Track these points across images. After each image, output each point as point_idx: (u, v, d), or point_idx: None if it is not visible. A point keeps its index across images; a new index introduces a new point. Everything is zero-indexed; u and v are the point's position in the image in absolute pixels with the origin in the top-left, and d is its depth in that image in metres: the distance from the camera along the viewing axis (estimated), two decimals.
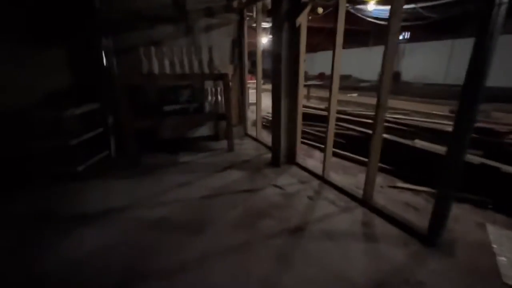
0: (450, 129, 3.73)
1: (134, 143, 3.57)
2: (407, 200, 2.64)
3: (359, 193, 2.62)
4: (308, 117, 5.01)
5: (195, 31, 4.29)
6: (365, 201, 2.53)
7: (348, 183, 2.97)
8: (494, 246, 1.95)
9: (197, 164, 3.67)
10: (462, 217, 2.33)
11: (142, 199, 2.72)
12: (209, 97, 4.35)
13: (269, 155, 3.83)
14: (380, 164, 3.17)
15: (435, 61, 14.59)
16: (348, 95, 9.99)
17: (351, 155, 3.70)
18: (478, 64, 1.58)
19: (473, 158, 2.70)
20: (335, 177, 3.11)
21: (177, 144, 4.41)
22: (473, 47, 1.56)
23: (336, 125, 4.28)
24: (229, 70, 4.60)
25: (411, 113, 6.21)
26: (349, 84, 15.59)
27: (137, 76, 3.52)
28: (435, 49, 14.60)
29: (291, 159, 3.61)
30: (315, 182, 3.06)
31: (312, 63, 22.34)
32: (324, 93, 10.84)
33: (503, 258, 1.80)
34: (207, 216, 2.39)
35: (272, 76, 3.37)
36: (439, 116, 5.88)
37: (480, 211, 2.43)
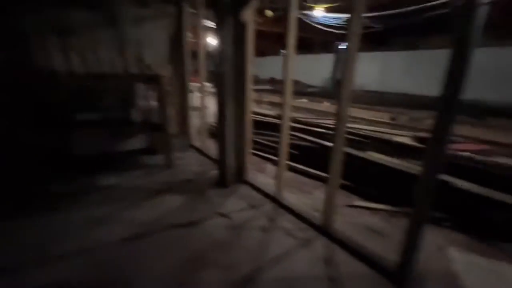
0: (398, 139, 3.76)
1: (26, 165, 2.63)
2: (368, 223, 2.39)
3: (318, 218, 2.27)
4: (260, 125, 4.61)
5: (122, 21, 3.49)
6: (326, 229, 2.18)
7: (305, 204, 2.62)
8: (465, 280, 1.76)
9: (122, 189, 2.90)
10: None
11: (30, 250, 1.90)
12: (141, 103, 3.59)
13: (215, 171, 3.28)
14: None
15: (371, 70, 15.97)
16: (298, 100, 10.05)
17: (307, 169, 3.39)
18: (454, 76, 1.32)
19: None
20: (291, 198, 2.73)
21: (100, 162, 3.52)
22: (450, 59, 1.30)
23: (289, 134, 3.97)
24: (166, 71, 3.90)
25: (357, 120, 6.38)
26: (298, 89, 16.03)
27: (26, 75, 2.61)
28: (370, 59, 15.99)
29: (240, 176, 3.13)
30: (268, 206, 2.63)
31: (261, 67, 22.53)
32: (275, 98, 10.75)
33: None
34: (128, 273, 1.73)
35: (215, 77, 2.84)
36: (382, 123, 6.14)
37: (437, 230, 2.30)
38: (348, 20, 1.78)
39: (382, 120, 6.30)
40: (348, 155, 3.07)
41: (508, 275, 1.82)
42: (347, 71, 1.84)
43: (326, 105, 9.10)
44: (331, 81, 16.95)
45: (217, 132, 3.21)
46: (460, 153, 3.01)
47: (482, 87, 11.60)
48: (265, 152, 4.04)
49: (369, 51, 15.98)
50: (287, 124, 2.49)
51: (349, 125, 4.38)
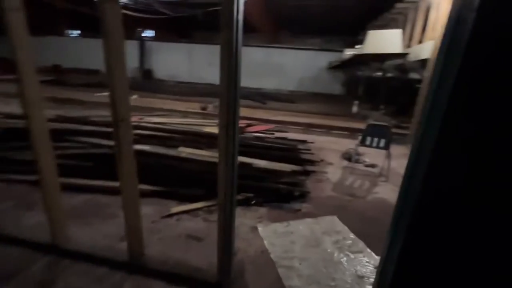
0: (207, 129, 3.83)
1: None
2: (187, 229, 2.14)
3: (124, 250, 1.71)
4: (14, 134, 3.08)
5: None
6: (135, 262, 1.68)
7: (105, 237, 1.94)
8: (270, 252, 1.93)
9: None
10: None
11: None
12: None
13: None
14: (146, 187, 2.46)
15: (180, 61, 16.25)
16: (96, 94, 8.22)
17: (105, 183, 2.61)
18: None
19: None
20: (81, 235, 1.94)
21: None
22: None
23: (74, 141, 2.93)
24: None
25: (171, 113, 6.10)
26: (100, 80, 13.31)
27: None
28: (178, 50, 16.19)
29: None
30: (40, 264, 1.69)
31: (41, 51, 16.61)
32: (62, 92, 8.17)
33: (282, 269, 1.78)
34: None
35: None
36: (194, 113, 6.25)
37: (248, 211, 2.46)
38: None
39: (194, 110, 6.42)
40: (156, 155, 2.65)
41: (295, 229, 2.22)
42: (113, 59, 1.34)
43: (134, 98, 8.08)
44: (139, 71, 15.56)
45: None
46: (252, 134, 3.49)
47: (263, 78, 15.19)
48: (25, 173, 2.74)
49: (176, 42, 16.10)
50: (42, 127, 1.61)
51: (157, 119, 3.97)
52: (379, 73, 8.09)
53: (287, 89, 14.74)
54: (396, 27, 6.43)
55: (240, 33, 1.24)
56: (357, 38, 11.10)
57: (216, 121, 4.45)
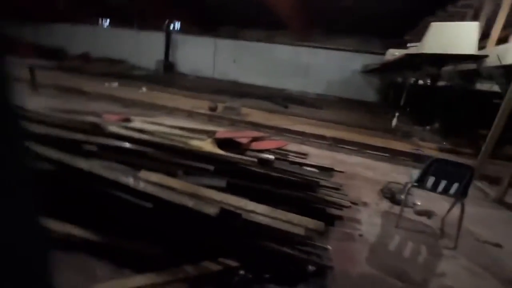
0: (199, 143, 2.84)
1: None
2: None
3: None
4: None
5: None
6: None
7: None
8: None
9: None
10: None
11: None
12: None
13: None
14: (73, 231, 1.54)
15: (204, 56, 15.59)
16: (106, 84, 7.66)
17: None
18: None
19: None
20: None
21: None
22: None
23: None
24: None
25: (172, 112, 5.27)
26: (121, 70, 13.03)
27: None
28: (203, 44, 15.55)
29: None
30: None
31: (72, 39, 16.88)
32: (84, 82, 7.69)
33: None
34: None
35: None
36: (200, 114, 5.37)
37: None
38: None
39: (201, 111, 5.53)
40: (98, 179, 1.74)
41: None
42: None
43: (141, 92, 7.39)
44: (162, 64, 15.14)
45: None
46: (257, 153, 2.46)
47: (288, 79, 14.05)
48: None
49: (201, 36, 15.46)
50: None
51: (138, 123, 3.08)
52: (429, 80, 6.65)
53: (314, 92, 13.48)
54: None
55: None
56: (401, 39, 9.60)
57: (221, 129, 3.45)
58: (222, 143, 2.71)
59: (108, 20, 17.62)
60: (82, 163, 1.86)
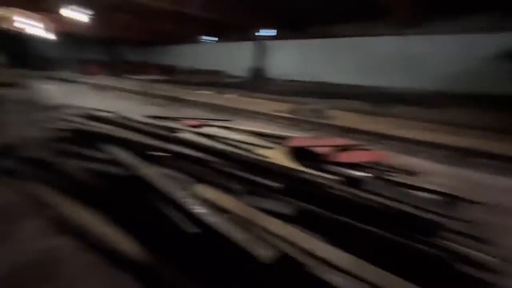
0: (272, 153, 2.38)
1: None
2: None
3: None
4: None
5: None
6: None
7: None
8: None
9: None
10: None
11: None
12: None
13: None
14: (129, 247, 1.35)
15: (293, 59, 15.43)
16: (202, 92, 8.38)
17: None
18: None
19: None
20: None
21: None
22: None
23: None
24: None
25: (253, 115, 5.12)
26: (216, 80, 14.36)
27: None
28: (291, 47, 15.42)
29: None
30: None
31: (180, 55, 20.25)
32: (186, 92, 8.77)
33: None
34: None
35: None
36: (281, 117, 5.01)
37: None
38: None
39: (282, 114, 5.17)
40: (146, 190, 1.57)
41: None
42: None
43: (227, 97, 7.66)
44: (251, 71, 15.85)
45: None
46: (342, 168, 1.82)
47: (391, 75, 12.08)
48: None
49: (288, 39, 15.38)
50: None
51: (216, 129, 2.93)
52: None
53: (425, 88, 10.99)
54: None
55: None
56: None
57: (304, 134, 2.95)
58: (298, 152, 2.22)
59: (207, 37, 20.02)
60: (142, 169, 1.76)
